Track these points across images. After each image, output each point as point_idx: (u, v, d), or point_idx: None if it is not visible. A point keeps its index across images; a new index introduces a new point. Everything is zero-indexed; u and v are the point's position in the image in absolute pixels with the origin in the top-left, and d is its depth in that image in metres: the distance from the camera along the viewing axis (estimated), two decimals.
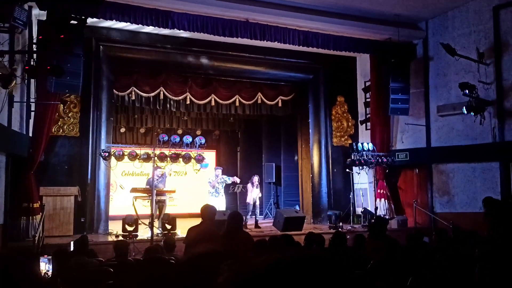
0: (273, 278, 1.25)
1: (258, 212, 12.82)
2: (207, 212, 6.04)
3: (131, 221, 9.79)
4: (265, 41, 11.47)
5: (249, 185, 12.64)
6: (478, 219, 10.72)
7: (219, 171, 12.70)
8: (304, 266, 1.30)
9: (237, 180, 12.43)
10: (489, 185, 11.55)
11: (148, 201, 10.50)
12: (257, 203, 12.66)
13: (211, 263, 1.94)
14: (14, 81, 7.93)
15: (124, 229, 9.68)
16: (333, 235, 5.69)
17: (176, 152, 10.32)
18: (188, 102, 13.23)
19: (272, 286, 1.24)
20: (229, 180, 12.41)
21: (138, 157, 10.14)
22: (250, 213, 12.50)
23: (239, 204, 12.86)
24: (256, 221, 12.37)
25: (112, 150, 10.52)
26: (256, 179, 12.83)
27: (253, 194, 12.58)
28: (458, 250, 4.36)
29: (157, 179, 10.66)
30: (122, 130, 15.44)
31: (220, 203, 12.17)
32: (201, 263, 1.95)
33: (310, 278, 1.28)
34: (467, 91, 10.92)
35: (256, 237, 9.06)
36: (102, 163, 10.79)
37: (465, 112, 11.12)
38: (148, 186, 10.72)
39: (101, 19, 9.88)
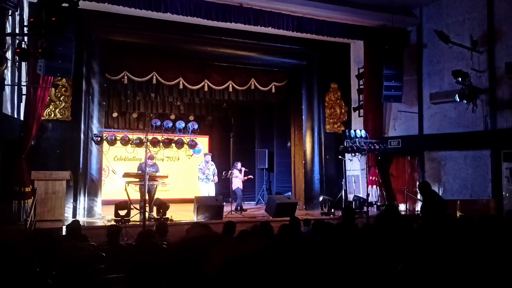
0: (263, 262, 1.25)
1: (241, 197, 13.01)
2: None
3: (124, 206, 9.80)
4: (259, 26, 11.42)
5: (235, 171, 12.68)
6: (469, 206, 10.88)
7: (209, 157, 12.73)
8: (293, 252, 1.31)
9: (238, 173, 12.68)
10: (480, 173, 11.64)
11: (137, 186, 10.52)
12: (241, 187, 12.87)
13: (204, 247, 1.94)
14: (5, 64, 7.86)
15: (116, 214, 9.69)
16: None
17: (169, 137, 10.30)
18: (181, 87, 13.15)
19: (262, 270, 1.24)
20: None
21: (130, 142, 10.11)
22: (240, 199, 12.61)
23: (231, 190, 12.90)
24: (241, 206, 12.57)
25: (104, 134, 10.48)
26: (240, 165, 12.92)
27: (240, 179, 12.70)
28: (447, 236, 4.40)
29: (149, 168, 10.59)
30: (115, 114, 15.36)
31: (210, 189, 12.30)
32: (193, 247, 1.95)
33: (300, 262, 1.29)
34: (460, 79, 10.96)
35: (248, 223, 9.13)
36: (94, 147, 10.75)
37: (458, 100, 11.17)
38: (140, 172, 10.70)
39: (93, 1, 9.77)
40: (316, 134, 13.59)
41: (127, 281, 3.49)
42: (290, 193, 14.24)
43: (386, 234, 4.00)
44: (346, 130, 12.38)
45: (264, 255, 1.26)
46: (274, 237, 5.29)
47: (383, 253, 3.40)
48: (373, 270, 2.73)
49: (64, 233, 7.76)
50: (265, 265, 1.24)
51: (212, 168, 12.43)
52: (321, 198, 12.74)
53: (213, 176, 12.39)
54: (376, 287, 2.62)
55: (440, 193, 12.22)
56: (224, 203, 11.17)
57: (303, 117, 13.81)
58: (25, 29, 9.14)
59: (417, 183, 12.75)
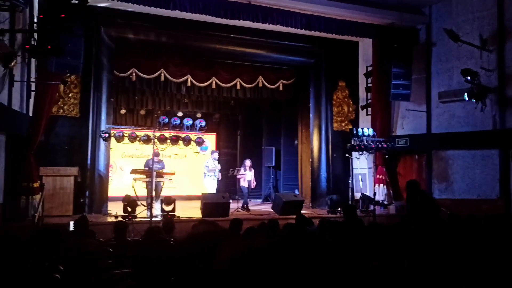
0: (270, 257, 1.26)
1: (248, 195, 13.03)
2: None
3: (131, 202, 9.83)
4: (267, 24, 11.38)
5: (242, 169, 12.73)
6: (476, 206, 10.80)
7: (216, 154, 12.79)
8: (298, 248, 1.31)
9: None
10: (489, 172, 11.56)
11: (144, 183, 10.58)
12: (251, 186, 12.85)
13: (210, 243, 1.95)
14: (15, 60, 7.90)
15: (124, 210, 9.73)
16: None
17: (176, 134, 10.34)
18: (189, 84, 13.20)
19: (268, 264, 1.25)
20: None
21: (138, 138, 10.16)
22: (247, 197, 12.64)
23: (238, 187, 12.94)
24: (246, 204, 12.55)
25: (112, 131, 10.52)
26: (248, 162, 12.95)
27: (248, 177, 12.71)
28: (453, 235, 4.39)
29: (155, 165, 10.65)
30: (123, 111, 15.41)
31: (214, 185, 12.48)
32: (200, 242, 1.96)
33: (305, 258, 1.29)
34: (469, 78, 10.86)
35: (254, 220, 9.15)
36: (102, 144, 10.79)
37: (467, 98, 11.08)
38: (146, 168, 10.75)
39: None
40: (323, 132, 13.57)
41: (134, 276, 3.50)
42: (297, 191, 14.23)
43: (392, 232, 4.00)
44: (354, 129, 12.33)
45: (271, 251, 1.27)
46: (281, 235, 5.31)
47: (390, 251, 3.39)
48: (379, 268, 2.73)
49: (71, 228, 7.81)
50: (271, 260, 1.24)
51: (218, 165, 12.55)
52: (327, 197, 12.72)
53: (219, 173, 12.49)
54: (382, 284, 2.62)
55: (448, 193, 12.18)
56: (231, 201, 11.19)
57: (311, 115, 13.79)
58: (35, 25, 9.19)
59: (425, 182, 12.71)
